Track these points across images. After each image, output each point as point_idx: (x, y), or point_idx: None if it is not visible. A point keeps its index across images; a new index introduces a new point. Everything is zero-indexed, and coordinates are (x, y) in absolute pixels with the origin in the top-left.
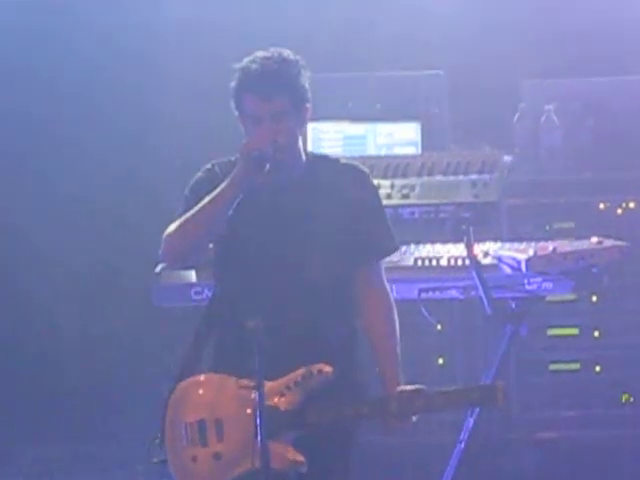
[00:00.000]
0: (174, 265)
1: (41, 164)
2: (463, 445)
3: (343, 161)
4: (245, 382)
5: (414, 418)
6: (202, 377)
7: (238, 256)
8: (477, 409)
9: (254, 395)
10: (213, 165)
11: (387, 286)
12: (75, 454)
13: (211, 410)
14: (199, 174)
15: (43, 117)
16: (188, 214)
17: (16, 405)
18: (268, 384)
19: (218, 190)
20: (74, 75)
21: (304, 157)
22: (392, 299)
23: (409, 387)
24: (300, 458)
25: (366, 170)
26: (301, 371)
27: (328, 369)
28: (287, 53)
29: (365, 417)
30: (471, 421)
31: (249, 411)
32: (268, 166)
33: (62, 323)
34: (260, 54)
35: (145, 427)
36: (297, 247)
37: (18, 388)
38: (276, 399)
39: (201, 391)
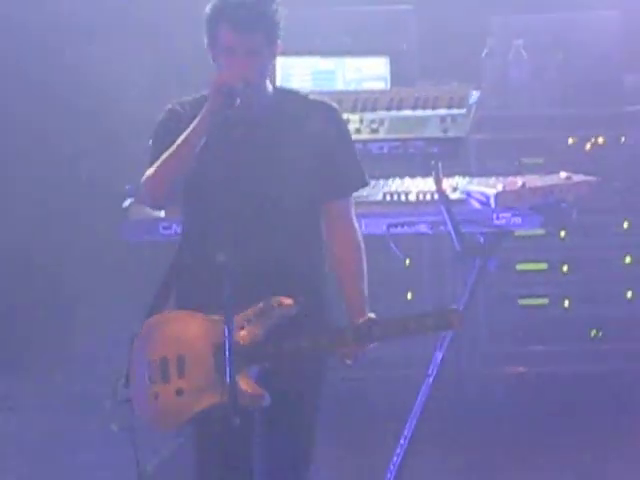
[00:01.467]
0: (156, 206)
1: None
2: (431, 379)
3: (312, 97)
4: (214, 318)
5: (371, 346)
6: (167, 314)
7: (207, 192)
8: (445, 342)
9: (217, 330)
10: (174, 104)
11: (356, 222)
12: (43, 388)
13: (174, 347)
14: (161, 116)
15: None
16: (165, 154)
17: None
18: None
19: (190, 129)
20: None
21: (273, 92)
22: (360, 235)
23: (360, 319)
24: (260, 392)
25: (335, 106)
26: (261, 304)
27: (289, 302)
28: None
29: (323, 348)
30: (439, 355)
31: (210, 347)
32: (238, 101)
33: (34, 258)
34: None
35: (115, 364)
36: (265, 182)
37: None
38: (236, 332)
39: (166, 328)
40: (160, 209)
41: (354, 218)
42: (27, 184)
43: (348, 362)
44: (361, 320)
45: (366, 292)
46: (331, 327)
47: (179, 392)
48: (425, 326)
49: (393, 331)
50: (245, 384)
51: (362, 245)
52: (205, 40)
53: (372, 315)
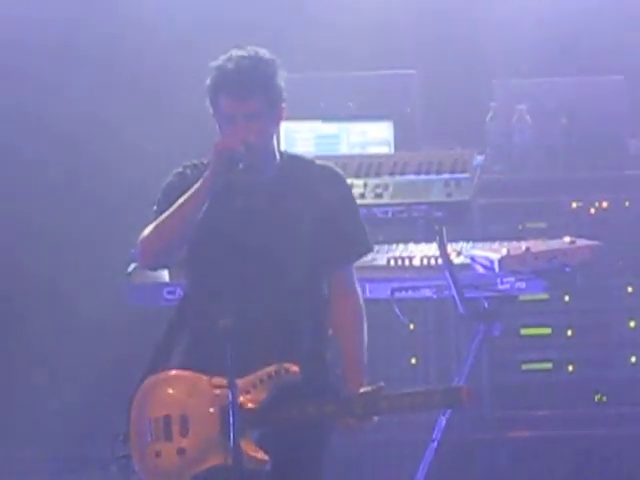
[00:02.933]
0: (149, 267)
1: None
2: (435, 444)
3: (318, 162)
4: (218, 381)
5: (375, 418)
6: (170, 374)
7: (210, 256)
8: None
9: (221, 393)
10: (184, 168)
11: (358, 288)
12: (47, 455)
13: (177, 406)
14: (170, 178)
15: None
16: (163, 216)
17: None
18: (236, 381)
19: (191, 191)
20: None
21: (278, 157)
22: (362, 302)
23: (370, 388)
24: (263, 456)
25: (340, 171)
26: (268, 369)
27: (295, 369)
28: (263, 52)
29: (328, 416)
30: (444, 420)
31: (214, 409)
32: (241, 165)
33: (34, 321)
34: (236, 52)
35: (114, 426)
36: (270, 247)
37: None
38: (242, 397)
39: (168, 387)
40: (153, 269)
41: (356, 284)
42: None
43: (349, 431)
44: (361, 389)
45: (365, 360)
46: (339, 396)
47: (181, 451)
48: (433, 402)
49: (401, 406)
50: (248, 447)
51: (364, 312)
52: (210, 110)
53: (382, 384)
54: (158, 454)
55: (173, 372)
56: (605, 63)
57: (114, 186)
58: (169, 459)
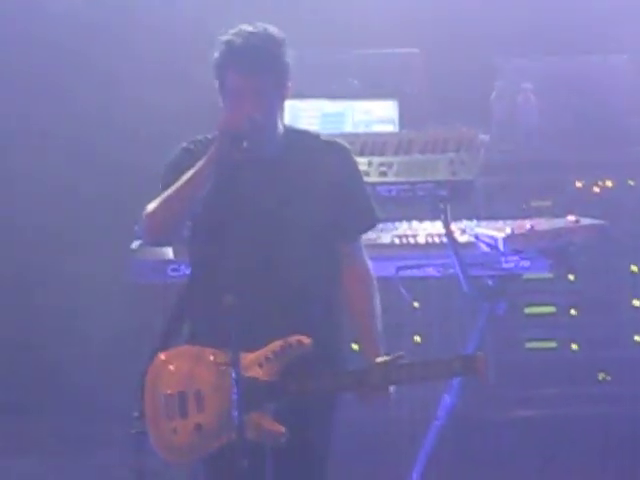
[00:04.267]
0: (153, 242)
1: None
2: (439, 422)
3: (324, 137)
4: (221, 357)
5: (391, 389)
6: (179, 349)
7: (215, 233)
8: (454, 386)
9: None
10: (189, 143)
11: (368, 262)
12: (63, 432)
13: (190, 382)
14: (175, 152)
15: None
16: (167, 192)
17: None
18: (248, 355)
19: (196, 167)
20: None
21: (282, 133)
22: (373, 275)
23: (388, 357)
24: (279, 428)
25: (347, 146)
26: (280, 342)
27: (307, 341)
28: (272, 29)
29: (345, 388)
30: (447, 398)
31: (227, 383)
32: (245, 143)
33: (39, 300)
34: (245, 28)
35: (124, 403)
36: (276, 224)
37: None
38: (255, 370)
39: (179, 363)
40: (156, 245)
41: (365, 255)
42: (35, 224)
43: (367, 403)
44: (379, 359)
45: (380, 328)
46: (355, 368)
47: (197, 427)
48: (451, 371)
49: (418, 375)
50: (264, 420)
51: (375, 285)
52: (216, 84)
53: (401, 353)
54: (174, 431)
55: (184, 347)
56: (610, 42)
57: (119, 161)
58: (186, 435)
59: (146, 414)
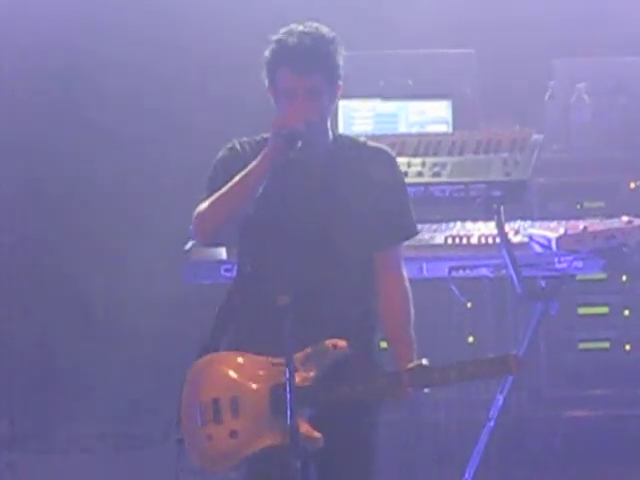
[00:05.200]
0: (206, 242)
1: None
2: (492, 423)
3: (370, 143)
4: (263, 360)
5: (426, 390)
6: (216, 355)
7: (264, 233)
8: (507, 387)
9: (273, 371)
10: (234, 143)
11: (404, 271)
12: (107, 434)
13: (226, 388)
14: (222, 153)
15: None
16: (220, 191)
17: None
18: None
19: (250, 167)
20: None
21: (331, 136)
22: (407, 283)
23: (414, 363)
24: (316, 434)
25: (392, 153)
26: (316, 346)
27: (343, 344)
28: (324, 29)
29: (378, 392)
30: (501, 398)
31: (263, 389)
32: (300, 143)
33: (90, 297)
34: (297, 27)
35: (166, 406)
36: (323, 225)
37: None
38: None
39: (216, 370)
40: (208, 246)
41: (402, 266)
42: (87, 224)
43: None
44: (411, 365)
45: (413, 338)
46: (387, 370)
47: (233, 434)
48: (482, 371)
49: (450, 376)
50: (300, 426)
51: (410, 294)
52: (266, 83)
53: (425, 361)
54: (209, 437)
55: (219, 354)
56: None
57: (173, 160)
58: (221, 442)
59: (182, 421)
